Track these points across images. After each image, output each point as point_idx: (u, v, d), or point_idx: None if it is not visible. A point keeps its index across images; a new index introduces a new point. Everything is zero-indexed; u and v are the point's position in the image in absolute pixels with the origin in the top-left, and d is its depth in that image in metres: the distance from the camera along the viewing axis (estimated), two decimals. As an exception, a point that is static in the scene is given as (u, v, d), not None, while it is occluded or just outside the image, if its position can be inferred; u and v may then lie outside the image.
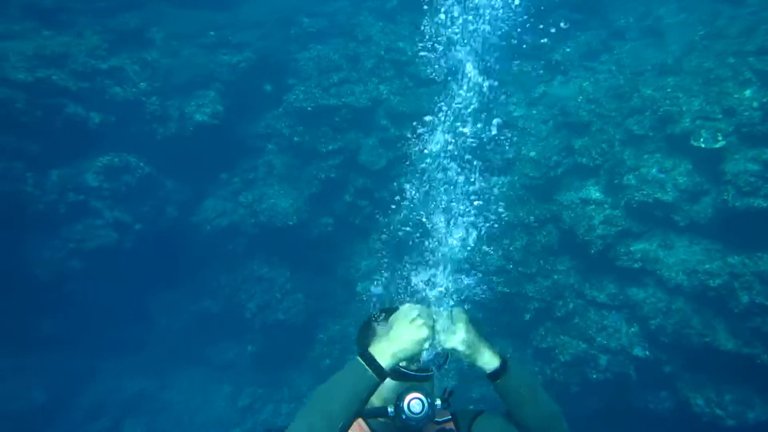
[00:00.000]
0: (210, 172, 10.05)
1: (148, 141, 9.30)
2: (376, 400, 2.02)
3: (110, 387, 9.61)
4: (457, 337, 2.00)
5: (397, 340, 1.88)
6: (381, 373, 1.82)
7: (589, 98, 8.63)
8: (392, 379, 1.96)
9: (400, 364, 1.96)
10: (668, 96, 7.72)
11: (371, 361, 1.82)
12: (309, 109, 9.80)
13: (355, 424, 1.97)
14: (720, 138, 7.09)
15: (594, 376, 7.38)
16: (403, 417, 1.88)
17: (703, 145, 7.18)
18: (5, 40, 8.18)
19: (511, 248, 8.23)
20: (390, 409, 1.93)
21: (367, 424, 2.04)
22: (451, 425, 2.19)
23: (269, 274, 10.10)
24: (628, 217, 7.73)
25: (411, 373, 1.96)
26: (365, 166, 9.71)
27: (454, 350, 2.01)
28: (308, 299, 9.73)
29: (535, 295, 8.03)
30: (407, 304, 2.02)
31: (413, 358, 1.91)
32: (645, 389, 7.29)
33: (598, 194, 8.15)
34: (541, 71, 9.28)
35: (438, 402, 2.03)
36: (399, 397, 1.92)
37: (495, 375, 2.03)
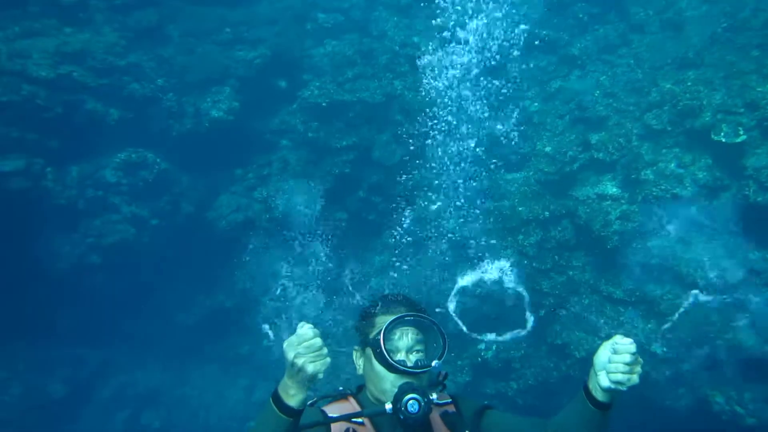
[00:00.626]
0: (225, 168, 10.12)
1: (165, 137, 9.41)
2: (375, 391, 2.05)
3: (127, 380, 9.76)
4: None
5: (290, 378, 1.79)
6: (291, 412, 1.77)
7: (607, 92, 8.53)
8: (389, 371, 1.98)
9: (396, 358, 1.98)
10: (688, 90, 7.59)
11: (278, 401, 1.77)
12: (323, 104, 9.82)
13: (366, 421, 2.00)
14: (741, 132, 6.96)
15: (610, 373, 7.30)
16: (401, 417, 1.90)
17: (723, 140, 7.05)
18: (27, 37, 8.32)
19: (525, 244, 8.18)
20: (388, 408, 1.94)
21: (372, 421, 2.04)
22: (452, 408, 2.18)
23: (284, 270, 10.16)
24: (646, 212, 7.62)
25: (406, 369, 1.97)
26: (379, 162, 9.71)
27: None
28: (322, 294, 9.77)
29: (549, 291, 7.97)
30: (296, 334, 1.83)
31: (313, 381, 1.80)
32: (662, 386, 7.19)
33: (614, 189, 8.05)
34: (558, 66, 9.19)
35: (434, 396, 2.03)
36: (396, 397, 1.93)
37: (606, 405, 1.95)
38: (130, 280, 9.10)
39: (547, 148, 8.71)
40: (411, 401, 1.88)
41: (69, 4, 9.13)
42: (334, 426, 2.01)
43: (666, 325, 7.05)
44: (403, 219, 9.25)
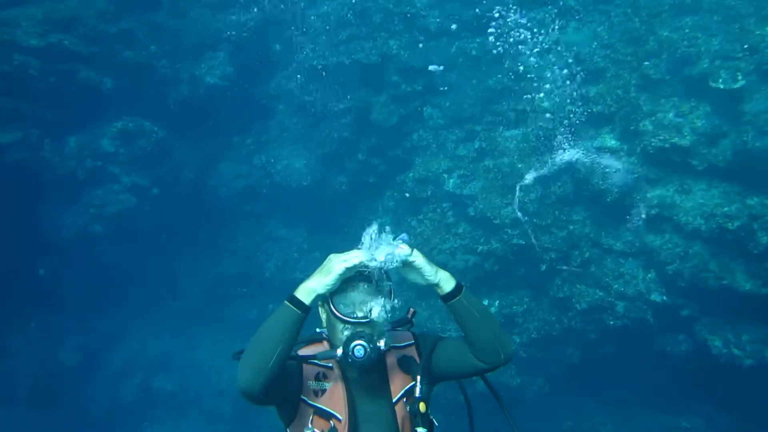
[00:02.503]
0: (223, 135, 10.09)
1: (161, 105, 9.35)
2: (333, 339, 2.26)
3: (137, 347, 9.95)
4: (414, 253, 2.14)
5: (318, 274, 2.11)
6: (303, 308, 2.07)
7: (604, 43, 8.42)
8: (340, 323, 2.19)
9: (347, 311, 2.19)
10: (686, 37, 7.50)
11: (293, 299, 2.07)
12: (319, 67, 9.72)
13: (334, 364, 2.30)
14: (740, 77, 6.91)
15: (611, 323, 7.44)
16: (349, 360, 2.13)
17: (722, 86, 7.01)
18: (14, 6, 8.18)
19: (525, 200, 8.20)
20: (339, 352, 2.16)
21: (339, 365, 2.29)
22: (412, 350, 2.40)
23: (287, 235, 10.24)
24: (645, 163, 7.63)
25: (350, 320, 2.17)
26: (377, 124, 9.66)
27: (412, 264, 2.14)
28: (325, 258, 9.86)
29: (551, 246, 8.03)
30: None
31: (348, 276, 2.13)
32: (663, 333, 7.35)
33: (613, 141, 8.03)
34: (555, 18, 9.05)
35: (382, 344, 2.18)
36: (345, 343, 2.15)
37: (452, 295, 2.19)
38: (134, 248, 9.19)
39: (545, 103, 8.64)
40: (357, 347, 2.11)
41: (55, -30, 8.93)
42: (306, 367, 2.29)
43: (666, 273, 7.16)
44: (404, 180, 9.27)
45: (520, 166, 8.42)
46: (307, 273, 2.17)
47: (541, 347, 7.91)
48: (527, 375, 7.98)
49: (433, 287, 2.20)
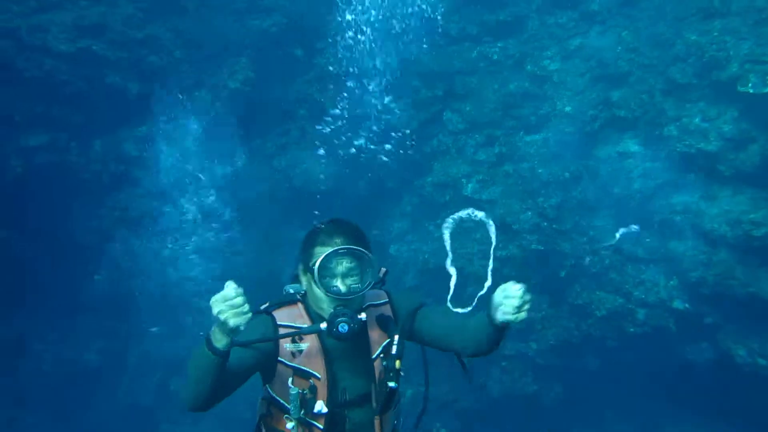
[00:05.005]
0: (243, 139, 10.21)
1: (183, 109, 9.50)
2: (315, 306, 2.36)
3: (155, 347, 10.08)
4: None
5: (217, 326, 1.99)
6: (219, 353, 1.98)
7: (629, 47, 8.31)
8: (324, 294, 2.28)
9: (331, 284, 2.27)
10: (715, 40, 7.36)
11: (208, 343, 1.99)
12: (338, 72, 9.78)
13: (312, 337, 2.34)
14: (769, 81, 6.75)
15: (632, 330, 7.32)
16: (334, 336, 2.23)
17: (751, 90, 6.85)
18: (44, 12, 8.42)
19: (545, 205, 8.13)
20: (323, 326, 2.26)
21: (319, 337, 2.35)
22: (387, 308, 2.53)
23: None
24: (669, 169, 7.50)
25: (336, 297, 2.27)
26: (397, 128, 9.67)
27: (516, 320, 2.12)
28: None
29: (570, 252, 7.94)
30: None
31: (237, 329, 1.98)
32: (685, 341, 7.19)
33: (636, 147, 7.91)
34: (578, 22, 8.98)
35: (363, 316, 2.30)
36: (330, 318, 2.24)
37: (501, 327, 2.19)
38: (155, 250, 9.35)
39: (567, 108, 8.57)
40: (342, 323, 2.21)
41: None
42: (282, 330, 2.33)
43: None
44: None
45: (540, 171, 8.36)
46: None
47: (559, 354, 7.81)
48: (545, 382, 7.88)
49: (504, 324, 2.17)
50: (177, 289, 9.48)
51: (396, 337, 2.37)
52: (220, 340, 1.97)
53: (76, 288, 9.25)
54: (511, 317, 2.08)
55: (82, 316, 9.45)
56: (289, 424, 2.34)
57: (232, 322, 1.91)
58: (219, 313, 1.91)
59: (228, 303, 1.92)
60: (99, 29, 8.59)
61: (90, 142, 8.98)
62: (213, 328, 1.99)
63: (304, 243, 2.44)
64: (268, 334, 2.31)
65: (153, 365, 10.03)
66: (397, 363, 2.34)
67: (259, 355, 2.28)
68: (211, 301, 1.93)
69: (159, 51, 9.24)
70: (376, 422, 2.38)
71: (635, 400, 7.86)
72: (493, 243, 2.36)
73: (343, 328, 2.21)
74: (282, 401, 2.37)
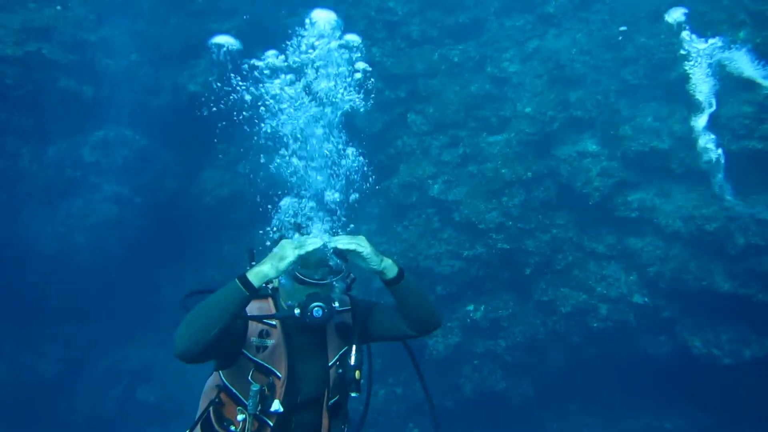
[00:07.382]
0: (206, 143, 10.01)
1: (143, 113, 9.26)
2: (287, 298, 2.41)
3: (120, 357, 9.80)
4: (360, 241, 2.32)
5: (272, 259, 2.20)
6: (252, 290, 2.14)
7: (583, 50, 8.56)
8: (298, 284, 2.34)
9: (305, 271, 2.34)
10: (662, 43, 7.66)
11: (244, 280, 2.14)
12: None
13: (277, 323, 2.41)
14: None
15: (595, 325, 7.53)
16: (307, 320, 2.29)
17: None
18: (-9, 15, 8.07)
19: (509, 205, 8.27)
20: (297, 312, 2.32)
21: (281, 323, 2.41)
22: (348, 315, 2.60)
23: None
24: (625, 167, 7.76)
25: (311, 281, 2.33)
26: (361, 130, 9.67)
27: (358, 253, 2.30)
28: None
29: (534, 250, 8.10)
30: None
31: (297, 264, 2.24)
32: (644, 335, 7.44)
33: (594, 146, 8.15)
34: (535, 25, 9.17)
35: (336, 304, 2.38)
36: (305, 303, 2.30)
37: (394, 281, 2.37)
38: (118, 258, 9.06)
39: (527, 109, 8.74)
40: (316, 308, 2.28)
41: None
42: (251, 324, 2.40)
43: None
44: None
45: (504, 171, 8.50)
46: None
47: (527, 351, 7.96)
48: (512, 378, 8.02)
49: (378, 274, 2.37)
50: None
51: (354, 347, 2.44)
52: (260, 278, 2.13)
53: (34, 296, 8.89)
54: (362, 263, 2.29)
55: (39, 323, 9.09)
56: (240, 416, 2.36)
57: (292, 253, 2.16)
58: (282, 246, 2.18)
59: (296, 244, 2.19)
60: (49, 32, 8.28)
61: (43, 148, 8.64)
62: (253, 267, 2.16)
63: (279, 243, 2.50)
64: (241, 323, 2.36)
65: (117, 374, 9.75)
66: (357, 373, 2.41)
67: (233, 337, 2.32)
68: (283, 240, 2.23)
69: (114, 53, 8.97)
70: (324, 425, 2.44)
71: (599, 394, 8.09)
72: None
73: (317, 312, 2.27)
74: (238, 394, 2.39)
